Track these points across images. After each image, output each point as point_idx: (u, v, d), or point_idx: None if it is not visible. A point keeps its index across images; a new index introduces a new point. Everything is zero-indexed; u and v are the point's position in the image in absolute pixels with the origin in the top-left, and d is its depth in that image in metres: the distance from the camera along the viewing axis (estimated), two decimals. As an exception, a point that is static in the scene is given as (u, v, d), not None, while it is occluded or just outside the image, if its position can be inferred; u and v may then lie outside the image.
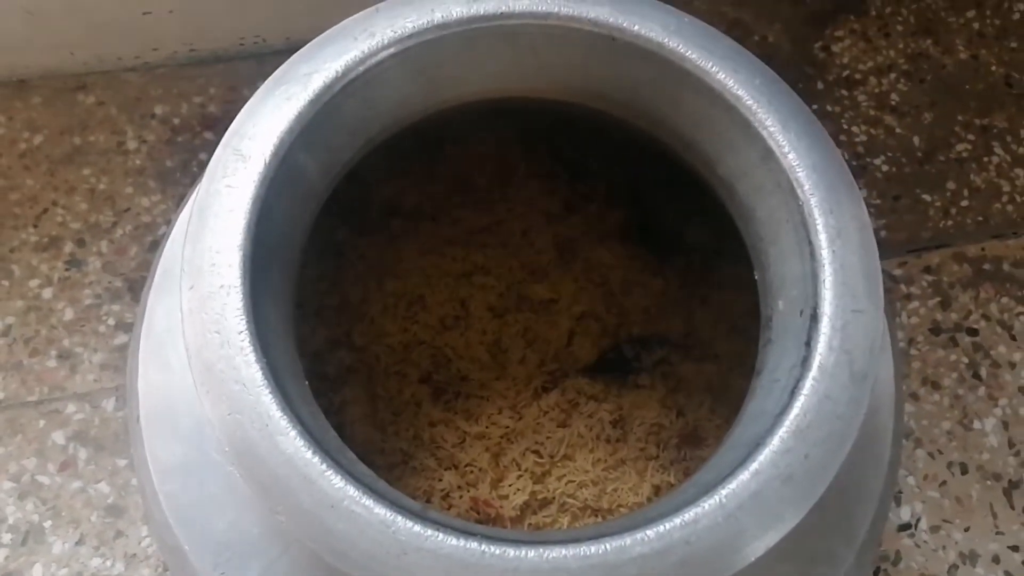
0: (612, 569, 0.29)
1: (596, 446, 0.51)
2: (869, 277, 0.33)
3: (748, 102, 0.36)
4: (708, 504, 0.30)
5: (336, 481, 0.30)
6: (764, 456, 0.31)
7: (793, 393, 0.32)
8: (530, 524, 0.49)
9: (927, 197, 0.73)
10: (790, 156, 0.35)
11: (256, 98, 0.36)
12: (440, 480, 0.50)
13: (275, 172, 0.34)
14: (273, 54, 0.72)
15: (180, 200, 0.67)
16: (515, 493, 0.49)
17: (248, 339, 0.31)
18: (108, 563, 0.58)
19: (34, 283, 0.65)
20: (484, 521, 0.49)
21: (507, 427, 0.51)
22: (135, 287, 0.65)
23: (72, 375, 0.62)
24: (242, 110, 0.36)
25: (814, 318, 0.33)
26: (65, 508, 0.59)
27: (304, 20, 0.69)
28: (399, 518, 0.29)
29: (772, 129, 0.35)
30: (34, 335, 0.63)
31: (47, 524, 0.59)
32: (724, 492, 0.30)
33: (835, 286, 0.33)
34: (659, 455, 0.51)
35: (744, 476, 0.30)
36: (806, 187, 0.34)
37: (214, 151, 0.35)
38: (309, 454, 0.30)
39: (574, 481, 0.50)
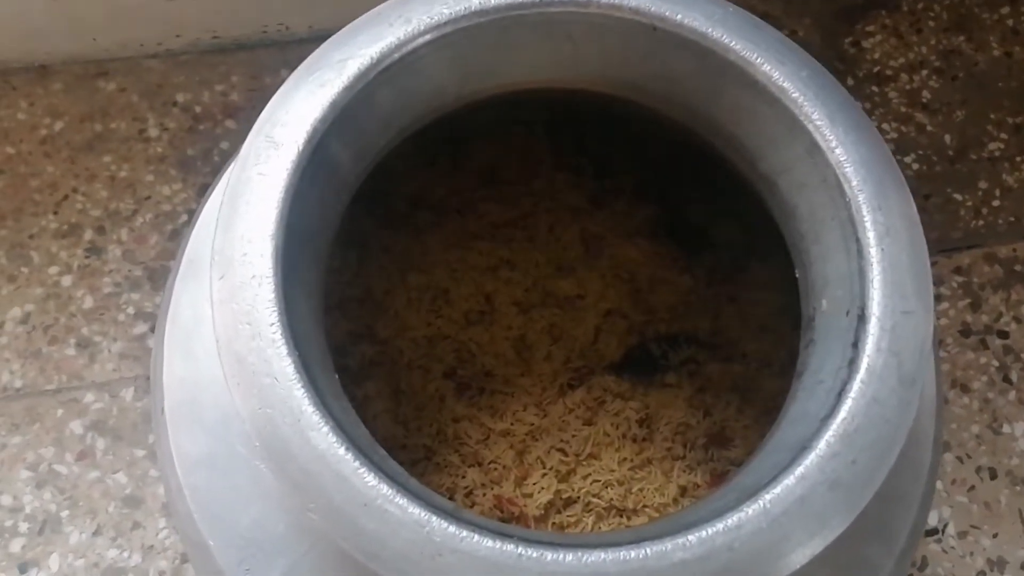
0: (652, 574, 0.28)
1: (622, 445, 0.51)
2: (919, 276, 0.32)
3: (794, 95, 0.35)
4: (752, 509, 0.29)
5: (369, 479, 0.29)
6: (810, 460, 0.30)
7: (840, 396, 0.31)
8: (554, 523, 0.49)
9: (958, 196, 0.72)
10: (837, 151, 0.34)
11: (289, 84, 0.35)
12: (463, 477, 0.49)
13: (308, 160, 0.33)
14: (297, 42, 0.71)
15: (201, 189, 0.67)
16: (539, 492, 0.49)
17: (280, 331, 0.31)
18: (125, 554, 0.58)
19: (53, 270, 0.64)
20: (508, 520, 0.49)
21: (532, 424, 0.51)
22: (155, 276, 0.64)
23: (91, 364, 0.62)
24: (275, 96, 0.35)
25: (862, 318, 0.32)
26: (82, 498, 0.59)
27: (328, 8, 0.69)
28: (434, 518, 0.29)
29: (819, 123, 0.34)
30: (53, 323, 0.63)
31: (64, 514, 0.58)
32: (768, 497, 0.29)
33: (884, 285, 0.32)
34: (686, 455, 0.51)
35: (789, 481, 0.29)
36: (854, 183, 0.33)
37: (236, 140, 0.34)
38: (342, 450, 0.29)
39: (599, 480, 0.49)
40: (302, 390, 0.30)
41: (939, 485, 0.63)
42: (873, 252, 0.32)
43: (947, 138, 0.73)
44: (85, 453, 0.60)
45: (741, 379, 0.53)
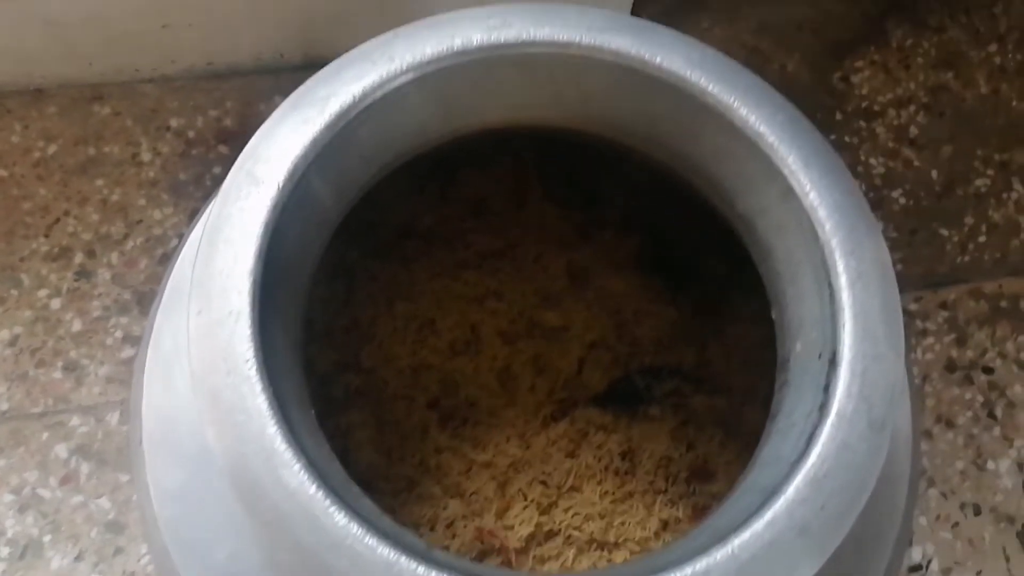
0: (620, 618, 0.28)
1: (604, 478, 0.50)
2: (889, 322, 0.33)
3: (770, 139, 0.35)
4: (720, 554, 0.29)
5: (339, 518, 0.29)
6: (779, 505, 0.30)
7: (810, 440, 0.31)
8: (535, 556, 0.49)
9: (944, 231, 0.72)
10: (811, 195, 0.34)
11: (272, 120, 0.35)
12: (445, 508, 0.49)
13: (288, 197, 0.34)
14: (291, 70, 0.72)
15: (192, 213, 0.67)
16: (520, 524, 0.49)
17: (255, 368, 0.31)
18: (106, 580, 0.58)
19: (43, 293, 0.64)
20: (488, 552, 0.48)
21: (514, 456, 0.50)
22: (144, 300, 0.65)
23: (78, 387, 0.62)
24: (258, 132, 0.35)
25: (832, 363, 0.32)
26: (65, 523, 0.59)
27: (323, 37, 0.69)
28: (403, 559, 0.29)
29: (794, 167, 0.35)
30: (41, 346, 0.63)
31: (46, 539, 0.58)
32: (737, 542, 0.29)
33: (854, 331, 0.32)
34: (668, 489, 0.51)
35: (758, 526, 0.30)
36: (827, 227, 0.34)
37: (228, 165, 0.34)
38: (313, 489, 0.29)
39: (581, 513, 0.49)
40: (275, 427, 0.30)
41: (923, 521, 0.63)
42: (844, 297, 0.33)
43: (934, 173, 0.74)
44: (69, 477, 0.60)
45: (725, 413, 0.53)
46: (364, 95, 0.35)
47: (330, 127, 0.35)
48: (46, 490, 0.59)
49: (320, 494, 0.29)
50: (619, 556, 0.49)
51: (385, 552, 0.29)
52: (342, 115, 0.35)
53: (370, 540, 0.29)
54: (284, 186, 0.34)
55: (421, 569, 0.29)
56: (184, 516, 0.37)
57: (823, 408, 0.31)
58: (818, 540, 0.30)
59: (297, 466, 0.30)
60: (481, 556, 0.48)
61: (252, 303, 0.32)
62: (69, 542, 0.58)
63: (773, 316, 0.37)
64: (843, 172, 0.35)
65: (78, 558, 0.58)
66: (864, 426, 0.31)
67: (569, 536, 0.49)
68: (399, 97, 0.36)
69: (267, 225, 0.33)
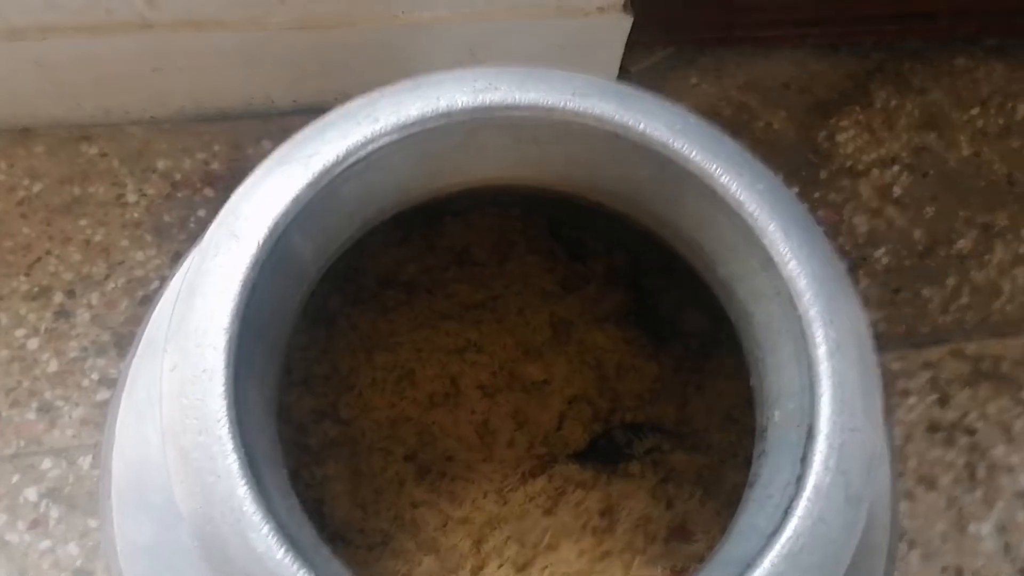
0: None
1: (582, 536, 0.50)
2: (867, 394, 0.33)
3: (750, 207, 0.35)
4: (693, 629, 0.29)
5: (307, 584, 0.29)
6: (754, 579, 0.29)
7: (787, 513, 0.31)
8: (510, 615, 0.48)
9: (927, 292, 0.72)
10: (791, 265, 0.34)
11: (255, 177, 0.35)
12: (419, 564, 0.48)
13: (267, 255, 0.33)
14: (280, 115, 0.72)
15: (175, 256, 0.67)
16: None
17: (227, 427, 0.30)
18: (72, 629, 0.56)
19: (20, 332, 0.64)
20: None
21: (491, 512, 0.50)
22: (122, 342, 0.64)
23: (51, 429, 0.62)
24: (239, 188, 0.35)
25: (810, 435, 0.32)
26: (32, 568, 0.58)
27: (313, 83, 0.70)
28: (370, 627, 0.28)
29: (774, 236, 0.35)
30: (16, 386, 0.62)
31: (12, 584, 0.57)
32: (711, 616, 0.29)
33: (832, 402, 0.32)
34: (646, 549, 0.50)
35: (732, 601, 0.29)
36: (805, 297, 0.34)
37: (214, 208, 0.34)
38: (280, 553, 0.29)
39: (557, 572, 0.49)
40: (245, 488, 0.30)
41: (904, 583, 0.62)
42: (822, 368, 0.33)
43: (917, 233, 0.75)
44: (38, 522, 0.59)
45: (705, 470, 0.52)
46: (348, 154, 0.35)
47: (312, 185, 0.35)
48: (14, 534, 0.59)
49: (288, 559, 0.29)
50: None
51: (353, 621, 0.28)
52: (325, 173, 0.35)
53: (338, 609, 0.28)
54: (264, 243, 0.33)
55: (388, 640, 0.28)
56: (151, 571, 0.36)
57: (800, 480, 0.31)
58: (793, 617, 0.29)
59: (266, 529, 0.29)
60: None
61: (227, 361, 0.31)
62: None
63: (752, 383, 0.37)
64: (823, 242, 0.35)
65: None
66: (841, 500, 0.31)
67: None
68: (382, 156, 0.36)
69: (245, 282, 0.33)
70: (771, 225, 0.35)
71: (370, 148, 0.35)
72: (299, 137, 0.36)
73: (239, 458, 0.30)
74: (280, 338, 0.36)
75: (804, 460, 0.32)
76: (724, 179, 0.35)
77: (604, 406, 0.54)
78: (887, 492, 0.40)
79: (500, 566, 0.49)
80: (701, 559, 0.51)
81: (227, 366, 0.31)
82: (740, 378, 0.55)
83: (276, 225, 0.34)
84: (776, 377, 0.35)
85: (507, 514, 0.50)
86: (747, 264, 0.36)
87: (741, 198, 0.35)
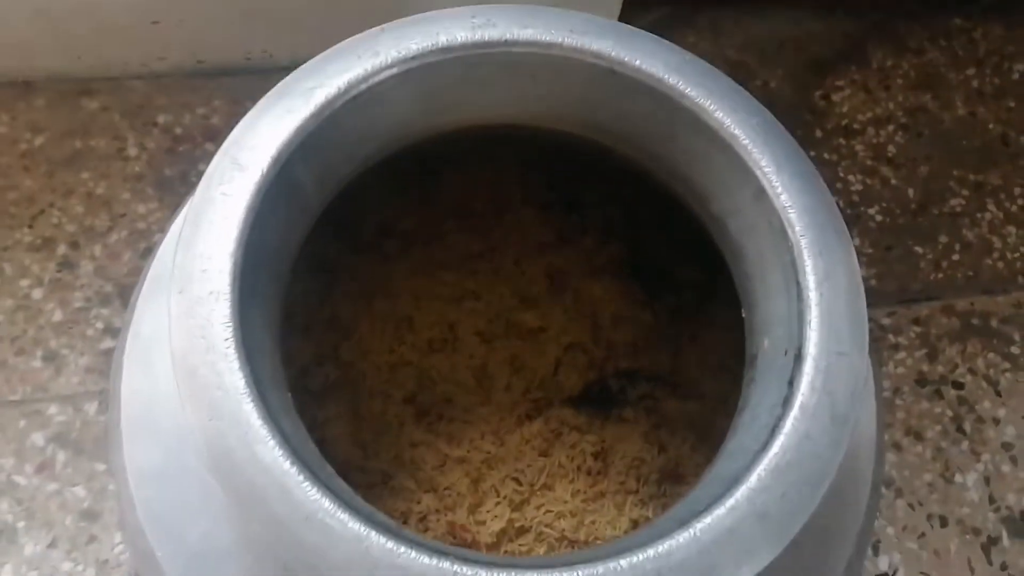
0: (583, 597, 0.29)
1: (576, 477, 0.51)
2: (855, 321, 0.34)
3: (744, 141, 0.36)
4: (682, 537, 0.30)
5: (312, 493, 0.30)
6: (741, 493, 0.31)
7: (773, 431, 0.32)
8: (506, 551, 0.49)
9: (919, 249, 0.73)
10: (782, 197, 0.35)
11: (257, 109, 0.36)
12: (418, 503, 0.49)
13: (271, 183, 0.34)
14: (279, 70, 0.71)
15: (176, 209, 0.67)
16: (492, 519, 0.49)
17: (233, 346, 0.31)
18: (79, 568, 0.58)
19: (25, 283, 0.65)
20: (460, 546, 0.48)
21: (488, 452, 0.51)
22: (125, 293, 0.65)
23: (56, 376, 0.62)
24: (243, 120, 0.36)
25: (798, 358, 0.33)
26: (40, 510, 0.59)
27: (311, 38, 0.69)
28: (372, 533, 0.29)
29: (767, 169, 0.36)
30: (21, 334, 0.63)
31: (20, 525, 0.58)
32: (699, 526, 0.30)
33: (820, 328, 0.33)
34: (639, 490, 0.51)
35: (720, 511, 0.30)
36: (797, 228, 0.35)
37: None
38: (287, 464, 0.30)
39: (552, 511, 0.49)
40: (251, 404, 0.31)
41: (891, 531, 0.63)
42: (812, 295, 0.34)
43: (910, 192, 0.75)
44: (45, 465, 0.60)
45: (697, 417, 0.53)
46: (349, 87, 0.36)
47: (314, 117, 0.35)
48: (22, 477, 0.59)
49: (294, 469, 0.30)
50: None
51: (355, 527, 0.29)
52: (326, 106, 0.36)
53: (342, 515, 0.29)
54: (267, 172, 0.34)
55: (390, 544, 0.29)
56: (159, 496, 0.37)
57: (787, 401, 0.32)
58: (778, 526, 0.30)
59: (272, 442, 0.30)
60: None
61: (232, 284, 0.32)
62: (43, 529, 0.58)
63: (743, 315, 0.38)
64: (814, 176, 0.36)
65: (51, 545, 0.58)
66: (826, 419, 0.32)
67: (540, 533, 0.49)
68: (383, 91, 0.37)
69: (249, 210, 0.34)
70: (764, 158, 0.36)
71: (371, 82, 0.36)
72: (301, 70, 0.37)
73: (245, 376, 0.31)
74: (284, 269, 0.37)
75: (791, 382, 0.33)
76: (718, 114, 0.36)
77: (599, 354, 0.55)
78: (872, 425, 0.41)
79: (497, 503, 0.49)
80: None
81: (232, 289, 0.32)
82: (731, 328, 0.56)
83: (279, 155, 0.34)
84: (766, 307, 0.36)
85: (504, 454, 0.51)
86: (740, 198, 0.37)
87: (735, 132, 0.36)
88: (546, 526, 0.49)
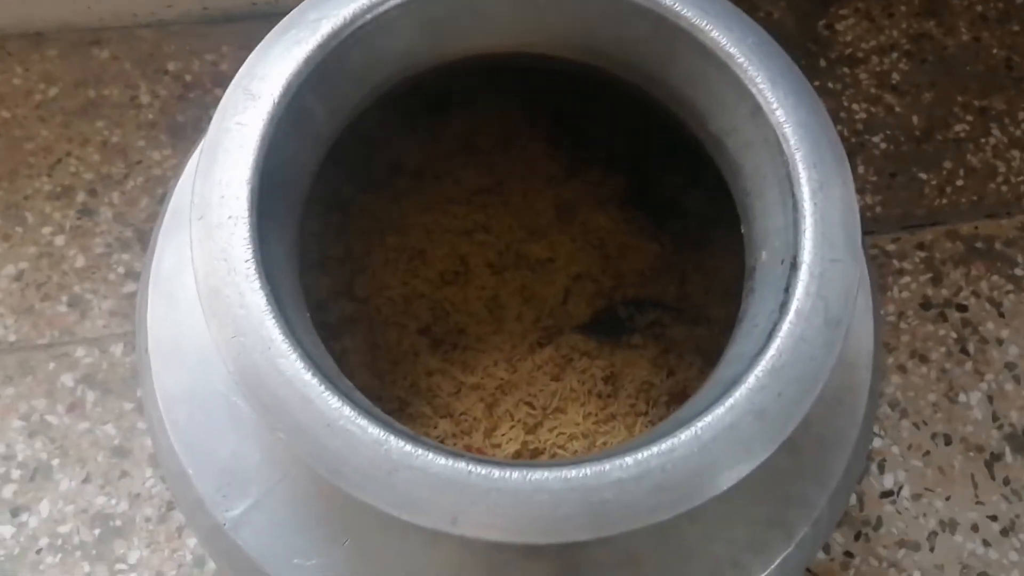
0: (591, 491, 0.30)
1: (587, 400, 0.52)
2: (848, 229, 0.35)
3: (739, 60, 0.37)
4: (684, 435, 0.31)
5: (333, 401, 0.31)
6: (740, 393, 0.32)
7: (770, 336, 0.33)
8: (521, 472, 0.51)
9: (923, 175, 0.74)
10: (777, 112, 0.36)
11: (266, 42, 0.37)
12: (435, 428, 0.50)
13: (283, 112, 0.35)
14: (284, 15, 0.72)
15: (189, 154, 0.69)
16: (507, 442, 0.50)
17: (253, 267, 0.33)
18: (113, 501, 0.60)
19: (47, 230, 0.66)
20: None
21: (502, 379, 0.52)
22: (145, 237, 0.66)
23: (82, 320, 0.64)
24: (253, 52, 0.37)
25: (794, 266, 0.34)
26: (72, 448, 0.61)
27: (316, -18, 0.70)
28: (391, 437, 0.31)
29: (762, 86, 0.36)
30: (46, 280, 0.65)
31: (55, 462, 0.60)
32: (700, 425, 0.32)
33: (815, 236, 0.34)
34: (648, 412, 0.52)
35: (720, 411, 0.32)
36: (791, 142, 0.36)
37: None
38: (308, 375, 0.32)
39: (565, 433, 0.51)
40: (272, 320, 0.32)
41: (896, 450, 0.65)
42: (807, 206, 0.35)
43: (914, 119, 0.75)
44: (75, 405, 0.62)
45: (704, 342, 0.54)
46: (354, 18, 0.37)
47: (322, 47, 0.36)
48: (54, 417, 0.61)
49: (315, 380, 0.32)
50: None
51: (375, 431, 0.31)
52: (333, 36, 0.37)
53: (361, 421, 0.31)
54: (280, 101, 0.35)
55: (408, 447, 0.31)
56: (189, 417, 0.39)
57: (783, 307, 0.34)
58: (775, 424, 0.32)
59: (293, 355, 0.32)
60: None
61: (250, 208, 0.34)
62: (77, 465, 0.60)
63: (743, 230, 0.39)
64: (809, 92, 0.37)
65: (86, 480, 0.60)
66: (820, 322, 0.33)
67: (554, 455, 0.50)
68: (388, 21, 0.38)
69: (263, 138, 0.35)
70: (759, 75, 0.36)
71: (375, 12, 0.37)
72: (306, 4, 0.38)
73: (266, 294, 0.33)
74: (299, 197, 0.38)
75: (787, 289, 0.34)
76: (714, 33, 0.37)
77: (607, 283, 0.56)
78: (870, 339, 0.42)
79: (511, 427, 0.51)
80: None
81: (250, 214, 0.34)
82: (737, 255, 0.57)
83: (290, 84, 0.36)
84: (763, 220, 0.37)
85: (517, 380, 0.52)
86: (736, 115, 0.38)
87: (731, 51, 0.37)
88: (559, 448, 0.50)
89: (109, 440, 0.61)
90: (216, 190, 0.34)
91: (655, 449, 0.31)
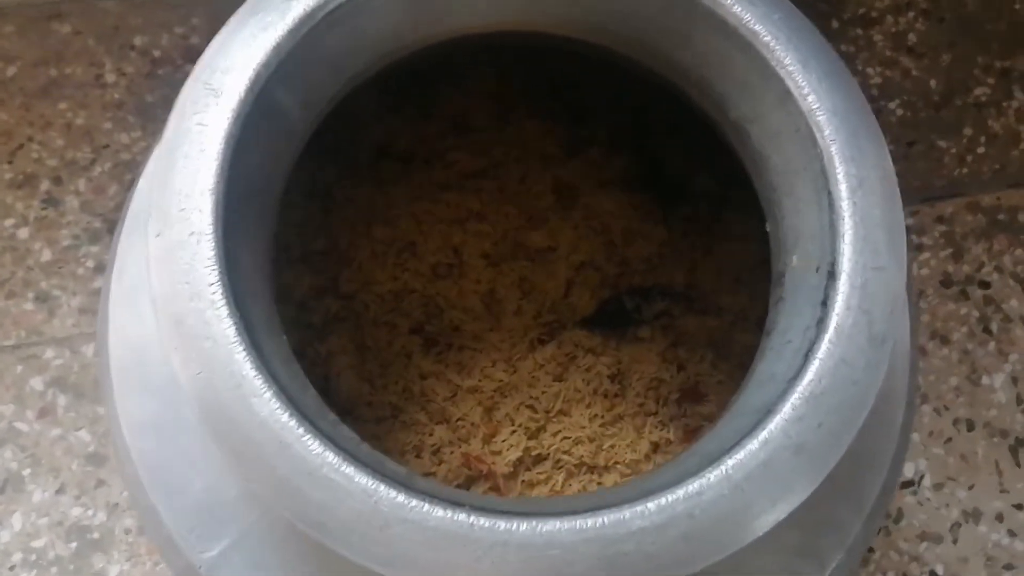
0: (609, 544, 0.27)
1: (593, 401, 0.50)
2: (892, 231, 0.31)
3: (765, 38, 0.33)
4: (713, 475, 0.28)
5: (314, 446, 0.28)
6: (774, 424, 0.28)
7: (807, 357, 0.29)
8: (523, 481, 0.48)
9: (942, 143, 0.70)
10: (810, 99, 0.32)
11: (229, 27, 0.33)
12: (431, 435, 0.48)
13: (251, 109, 0.32)
14: (259, -17, 0.68)
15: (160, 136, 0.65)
16: (508, 449, 0.48)
17: (220, 291, 0.29)
18: (90, 512, 0.57)
19: (9, 222, 0.62)
20: (476, 478, 0.48)
21: (501, 381, 0.50)
22: (115, 228, 0.62)
23: (50, 319, 0.61)
24: (213, 40, 0.33)
25: (831, 275, 0.30)
26: (45, 456, 0.58)
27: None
28: (382, 487, 0.27)
29: (791, 68, 0.33)
30: (9, 277, 0.61)
31: (26, 472, 0.58)
32: (731, 462, 0.28)
33: (855, 241, 0.31)
34: (658, 411, 0.50)
35: (752, 445, 0.28)
36: (826, 132, 0.32)
37: None
38: (285, 417, 0.28)
39: (570, 437, 0.49)
40: (243, 353, 0.28)
41: (916, 437, 0.62)
42: (844, 206, 0.31)
43: (932, 83, 0.72)
44: (46, 410, 0.59)
45: (716, 333, 0.52)
46: (329, -3, 0.33)
47: (293, 32, 0.32)
48: (23, 423, 0.58)
49: (293, 422, 0.28)
50: (609, 479, 0.49)
51: (363, 480, 0.28)
52: (306, 19, 0.32)
53: (347, 468, 0.28)
54: (246, 97, 0.32)
55: (401, 498, 0.27)
56: (157, 447, 0.36)
57: (821, 323, 0.30)
58: (815, 459, 0.29)
59: (268, 394, 0.28)
60: (468, 482, 0.48)
61: (215, 223, 0.30)
62: (50, 475, 0.57)
63: (768, 229, 0.36)
64: (844, 74, 0.33)
65: (60, 491, 0.57)
66: (864, 340, 0.29)
67: (558, 460, 0.48)
68: (365, 1, 0.33)
69: (228, 140, 0.31)
70: (788, 56, 0.32)
71: (353, -10, 0.33)
72: (274, -18, 0.33)
73: (235, 322, 0.29)
74: (271, 203, 0.34)
75: (825, 302, 0.30)
76: (736, 9, 0.33)
77: (612, 272, 0.53)
78: (907, 337, 0.39)
79: (512, 432, 0.48)
80: (714, 419, 0.50)
81: (215, 229, 0.30)
82: (749, 239, 0.54)
83: (257, 77, 0.32)
84: (794, 220, 0.33)
85: (517, 382, 0.50)
86: (762, 102, 0.34)
87: (756, 28, 0.33)
88: (564, 453, 0.48)
89: (83, 447, 0.58)
90: (175, 202, 0.30)
91: (680, 492, 0.28)
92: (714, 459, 0.28)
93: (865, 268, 0.30)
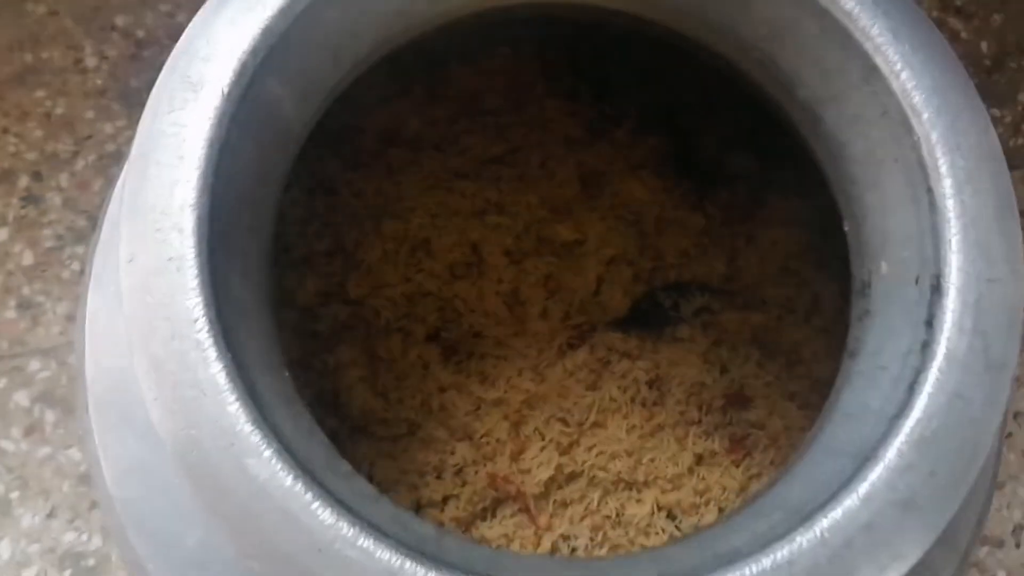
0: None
1: (630, 411, 0.48)
2: (1007, 235, 0.27)
3: (847, 5, 0.28)
4: (806, 539, 0.23)
5: (325, 516, 0.23)
6: (877, 475, 0.24)
7: (912, 389, 0.25)
8: (555, 501, 0.46)
9: (995, 111, 0.67)
10: (903, 76, 0.27)
11: (209, 8, 0.28)
12: (453, 453, 0.46)
13: (238, 105, 0.27)
14: (249, -46, 0.64)
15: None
16: (538, 467, 0.46)
17: (206, 328, 0.24)
18: (84, 537, 0.55)
19: (-14, 223, 0.59)
20: (503, 499, 0.47)
21: (528, 391, 0.47)
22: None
23: (34, 327, 0.58)
24: (191, 23, 0.28)
25: (937, 290, 0.26)
26: (33, 478, 0.55)
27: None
28: (407, 563, 0.23)
29: (879, 40, 0.28)
30: (-11, 283, 0.58)
31: (14, 495, 0.55)
32: (825, 523, 0.24)
33: (964, 247, 0.26)
34: (701, 419, 0.48)
35: (851, 501, 0.24)
36: (924, 116, 0.27)
37: None
38: (289, 480, 0.23)
39: (605, 452, 0.47)
40: (236, 404, 0.24)
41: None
42: (950, 205, 0.26)
43: (984, 46, 0.69)
44: (34, 428, 0.56)
45: (760, 329, 0.50)
46: (326, -31, 0.28)
47: (284, 13, 0.28)
48: (9, 442, 0.55)
49: (299, 486, 0.24)
50: (649, 496, 0.47)
51: (384, 555, 0.23)
52: (299, -4, 0.27)
53: (365, 542, 0.23)
54: (231, 91, 0.27)
55: (431, 575, 0.23)
56: (143, 495, 0.31)
57: (927, 347, 0.25)
58: (927, 516, 0.24)
59: (267, 452, 0.24)
60: (495, 505, 0.46)
61: (198, 245, 0.25)
62: (40, 498, 0.55)
63: (846, 229, 0.31)
64: (942, 46, 0.28)
65: (51, 515, 0.55)
66: (980, 369, 0.25)
67: (593, 477, 0.47)
68: (371, -29, 0.29)
69: (212, 143, 0.27)
70: (875, 25, 0.28)
71: (355, -41, 0.28)
72: (262, -48, 0.28)
73: (225, 366, 0.24)
74: (266, 213, 0.30)
75: (930, 323, 0.26)
76: (812, -30, 0.28)
77: (645, 266, 0.51)
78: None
79: (542, 449, 0.47)
80: (762, 427, 0.49)
81: (199, 253, 0.25)
82: (794, 225, 0.51)
83: (244, 66, 0.27)
84: (880, 220, 0.29)
85: (546, 392, 0.48)
86: (841, 80, 0.29)
87: (835, -8, 0.28)
88: (600, 469, 0.47)
89: (74, 466, 0.55)
90: (150, 220, 0.26)
91: (766, 562, 0.23)
92: (804, 517, 0.24)
93: (979, 281, 0.26)
